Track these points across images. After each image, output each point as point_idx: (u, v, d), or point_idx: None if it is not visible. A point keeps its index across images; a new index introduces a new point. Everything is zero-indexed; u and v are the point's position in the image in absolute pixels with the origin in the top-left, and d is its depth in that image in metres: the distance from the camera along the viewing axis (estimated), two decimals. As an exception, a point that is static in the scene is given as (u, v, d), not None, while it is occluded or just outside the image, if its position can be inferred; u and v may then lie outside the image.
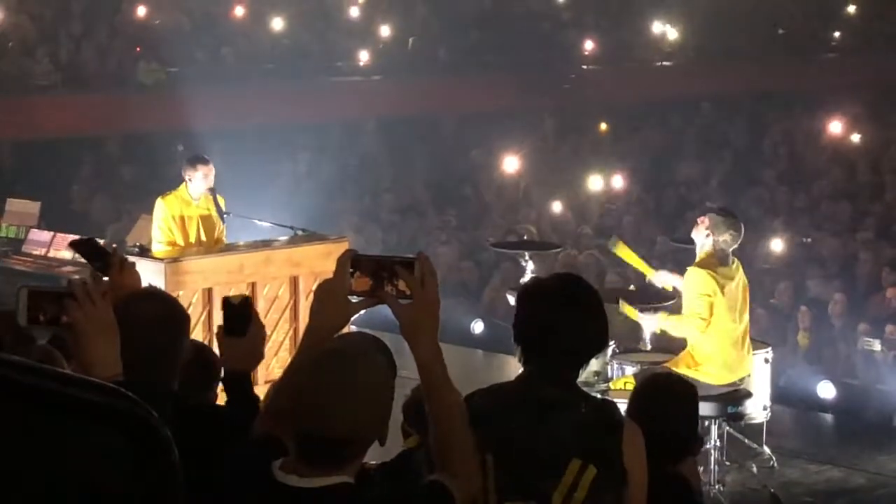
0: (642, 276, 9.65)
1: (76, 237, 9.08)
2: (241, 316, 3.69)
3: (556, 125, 21.64)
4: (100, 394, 1.69)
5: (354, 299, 3.30)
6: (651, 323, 9.10)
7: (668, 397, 4.89)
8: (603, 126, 21.99)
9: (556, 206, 17.01)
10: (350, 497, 3.06)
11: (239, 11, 20.85)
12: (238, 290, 10.19)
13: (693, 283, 8.67)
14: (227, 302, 3.73)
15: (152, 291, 4.14)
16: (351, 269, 3.27)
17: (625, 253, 9.69)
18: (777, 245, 14.80)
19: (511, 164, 17.50)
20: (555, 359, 3.77)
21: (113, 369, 2.86)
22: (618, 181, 17.67)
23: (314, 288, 3.43)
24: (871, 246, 14.88)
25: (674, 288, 9.26)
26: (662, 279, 9.28)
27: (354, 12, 22.01)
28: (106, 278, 4.18)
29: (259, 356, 3.76)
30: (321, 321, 3.32)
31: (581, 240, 15.42)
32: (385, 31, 21.73)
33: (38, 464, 1.57)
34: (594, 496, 3.69)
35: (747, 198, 17.44)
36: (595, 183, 17.20)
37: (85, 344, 2.89)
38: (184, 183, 10.67)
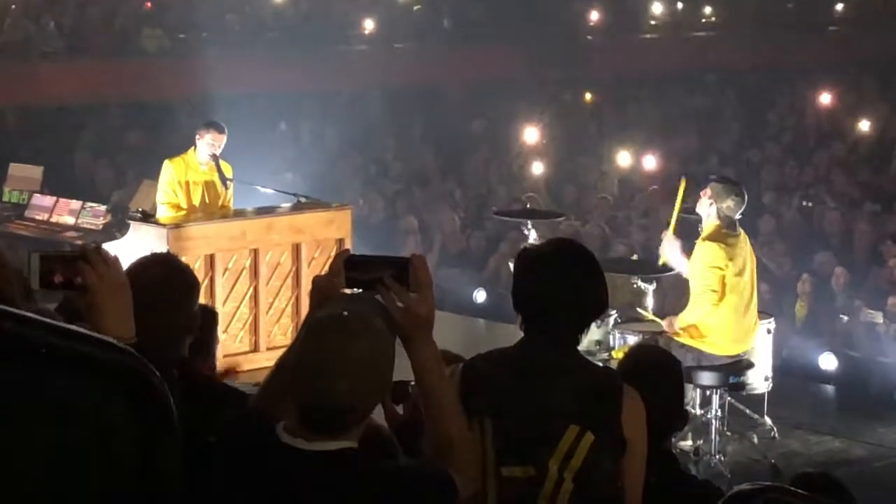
0: (647, 247, 9.58)
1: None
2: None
3: (564, 95, 21.57)
4: (105, 349, 1.69)
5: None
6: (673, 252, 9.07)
7: (656, 372, 4.57)
8: (607, 97, 21.93)
9: (562, 176, 16.96)
10: (355, 461, 3.07)
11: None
12: (240, 255, 10.21)
13: (703, 257, 8.60)
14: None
15: (158, 257, 4.10)
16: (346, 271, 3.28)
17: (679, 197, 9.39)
18: (779, 217, 14.77)
19: (514, 133, 17.46)
20: (553, 324, 3.74)
21: (127, 332, 2.84)
22: (626, 155, 17.61)
23: (311, 281, 3.43)
24: (874, 219, 14.85)
25: (665, 264, 9.16)
26: (666, 250, 9.14)
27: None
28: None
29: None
30: None
31: (593, 210, 15.34)
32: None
33: (44, 413, 1.58)
34: (591, 462, 3.66)
35: (752, 170, 17.39)
36: (604, 154, 17.17)
37: (99, 307, 2.87)
38: (193, 147, 10.63)
